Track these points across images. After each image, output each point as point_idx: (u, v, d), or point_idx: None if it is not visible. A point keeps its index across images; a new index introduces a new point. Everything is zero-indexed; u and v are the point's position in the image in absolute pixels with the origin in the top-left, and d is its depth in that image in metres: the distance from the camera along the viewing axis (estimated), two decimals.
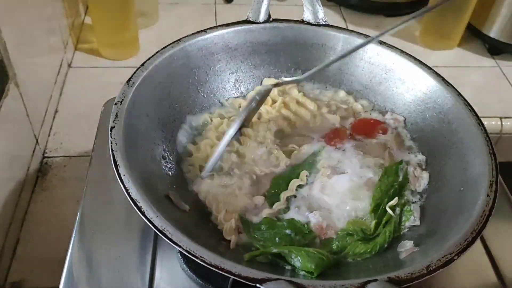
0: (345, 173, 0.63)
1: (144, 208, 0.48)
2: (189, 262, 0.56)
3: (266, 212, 0.59)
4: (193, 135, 0.68)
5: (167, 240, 0.46)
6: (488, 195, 0.53)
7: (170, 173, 0.62)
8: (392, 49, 0.72)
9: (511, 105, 1.06)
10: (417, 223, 0.58)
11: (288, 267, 0.53)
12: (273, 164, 0.65)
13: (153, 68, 0.64)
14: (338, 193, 0.61)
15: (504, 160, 0.70)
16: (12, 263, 0.73)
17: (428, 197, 0.62)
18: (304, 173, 0.63)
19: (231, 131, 0.64)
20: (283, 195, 0.60)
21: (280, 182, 0.62)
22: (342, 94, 0.75)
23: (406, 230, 0.58)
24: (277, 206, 0.59)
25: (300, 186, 0.62)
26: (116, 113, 0.57)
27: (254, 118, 0.70)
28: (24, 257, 0.75)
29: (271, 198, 0.61)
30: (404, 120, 0.71)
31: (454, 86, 0.67)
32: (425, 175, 0.64)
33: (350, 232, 0.57)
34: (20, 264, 0.74)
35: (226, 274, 0.44)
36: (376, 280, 0.44)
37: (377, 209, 0.59)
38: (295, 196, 0.61)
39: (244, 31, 0.74)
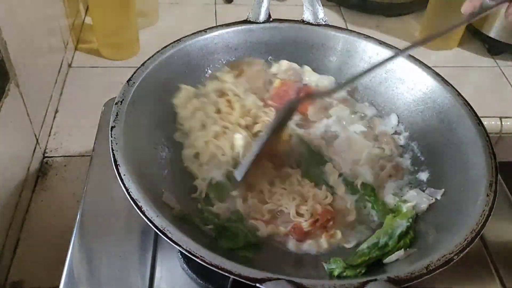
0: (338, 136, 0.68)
1: (144, 208, 0.48)
2: (189, 261, 0.56)
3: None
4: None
5: (167, 239, 0.46)
6: (487, 195, 0.53)
7: (170, 172, 0.62)
8: (392, 49, 0.72)
9: (510, 105, 1.06)
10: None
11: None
12: None
13: (154, 68, 0.65)
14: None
15: (504, 160, 0.70)
16: (13, 263, 0.73)
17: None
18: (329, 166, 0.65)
19: (255, 149, 0.58)
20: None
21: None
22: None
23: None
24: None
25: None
26: (117, 113, 0.58)
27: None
28: (25, 257, 0.74)
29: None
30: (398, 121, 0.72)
31: (454, 86, 0.67)
32: (425, 174, 0.65)
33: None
34: (21, 264, 0.74)
35: (226, 274, 0.44)
36: (375, 279, 0.44)
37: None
38: None
39: (244, 31, 0.74)
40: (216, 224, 0.57)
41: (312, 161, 0.66)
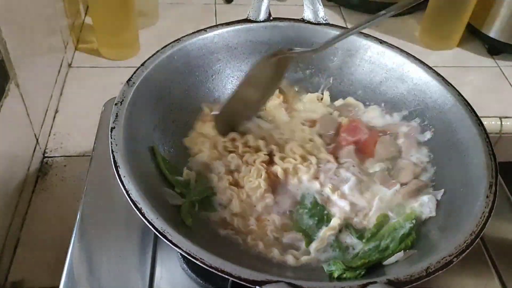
0: (350, 179, 0.62)
1: (144, 210, 0.48)
2: (189, 262, 0.56)
3: (305, 258, 0.56)
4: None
5: (167, 241, 0.46)
6: (487, 196, 0.53)
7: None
8: (392, 49, 0.72)
9: (510, 105, 1.06)
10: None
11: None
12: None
13: (153, 67, 0.64)
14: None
15: (504, 160, 0.70)
16: (13, 263, 0.73)
17: None
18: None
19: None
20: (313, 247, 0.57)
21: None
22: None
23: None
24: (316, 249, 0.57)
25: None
26: (116, 114, 0.57)
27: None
28: (25, 257, 0.74)
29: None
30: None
31: (454, 86, 0.67)
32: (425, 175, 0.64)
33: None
34: (21, 263, 0.74)
35: (226, 276, 0.44)
36: (375, 282, 0.44)
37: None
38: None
39: (245, 30, 0.73)
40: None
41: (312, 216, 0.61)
